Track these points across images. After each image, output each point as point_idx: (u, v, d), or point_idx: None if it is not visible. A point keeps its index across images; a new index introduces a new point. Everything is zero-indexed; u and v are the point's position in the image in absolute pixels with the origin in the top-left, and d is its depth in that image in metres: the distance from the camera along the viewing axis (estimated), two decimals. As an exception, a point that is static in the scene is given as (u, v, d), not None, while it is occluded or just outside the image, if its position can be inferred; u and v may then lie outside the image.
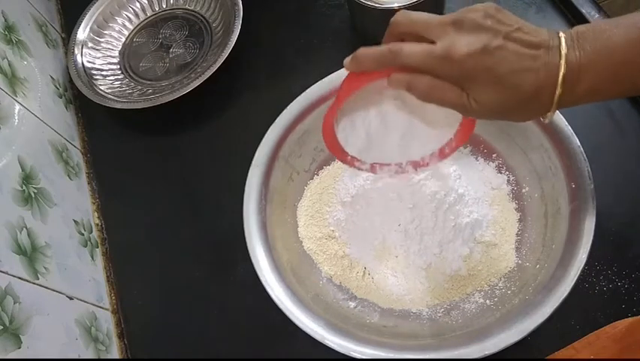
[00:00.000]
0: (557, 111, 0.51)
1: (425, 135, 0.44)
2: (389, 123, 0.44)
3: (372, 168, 0.47)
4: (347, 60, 0.40)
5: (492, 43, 0.35)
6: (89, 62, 0.79)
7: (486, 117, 0.39)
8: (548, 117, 0.39)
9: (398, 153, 0.45)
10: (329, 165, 0.62)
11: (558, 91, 0.36)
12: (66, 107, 0.77)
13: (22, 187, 0.57)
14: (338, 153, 0.46)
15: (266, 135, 0.58)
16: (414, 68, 0.38)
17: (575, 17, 0.68)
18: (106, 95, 0.75)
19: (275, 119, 0.59)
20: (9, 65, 0.65)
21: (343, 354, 0.46)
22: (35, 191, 0.59)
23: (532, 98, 0.37)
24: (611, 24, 0.36)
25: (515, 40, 0.36)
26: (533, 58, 0.36)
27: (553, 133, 0.52)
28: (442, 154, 0.45)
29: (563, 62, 0.36)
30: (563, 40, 0.36)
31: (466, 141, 0.45)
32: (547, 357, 0.50)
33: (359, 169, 0.47)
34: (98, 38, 0.82)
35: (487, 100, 0.37)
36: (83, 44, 0.80)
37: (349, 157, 0.46)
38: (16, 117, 0.62)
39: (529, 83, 0.36)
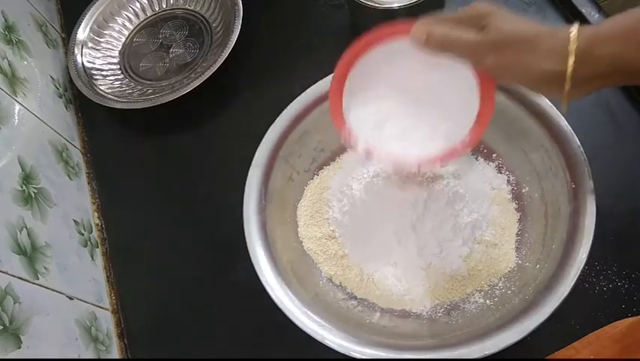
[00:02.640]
0: (558, 111, 0.52)
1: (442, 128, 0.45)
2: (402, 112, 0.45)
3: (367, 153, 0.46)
4: (421, 34, 0.42)
5: None
6: (89, 62, 0.79)
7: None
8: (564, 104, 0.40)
9: (403, 143, 0.45)
10: (329, 165, 0.62)
11: (567, 86, 0.38)
12: (66, 107, 0.77)
13: (22, 187, 0.57)
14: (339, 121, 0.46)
15: (266, 135, 0.58)
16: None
17: (574, 17, 0.67)
18: (106, 95, 0.75)
19: (275, 119, 0.59)
20: (9, 65, 0.65)
21: (343, 354, 0.46)
22: (35, 191, 0.59)
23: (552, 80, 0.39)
24: (609, 22, 0.38)
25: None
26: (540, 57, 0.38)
27: (553, 133, 0.52)
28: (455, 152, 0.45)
29: (571, 56, 0.38)
30: (571, 35, 0.38)
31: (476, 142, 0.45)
32: (547, 357, 0.50)
33: (351, 146, 0.46)
34: (98, 38, 0.82)
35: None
36: (83, 44, 0.80)
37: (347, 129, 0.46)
38: (16, 117, 0.62)
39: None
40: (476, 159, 0.59)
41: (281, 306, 0.48)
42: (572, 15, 0.68)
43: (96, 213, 0.71)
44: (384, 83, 0.46)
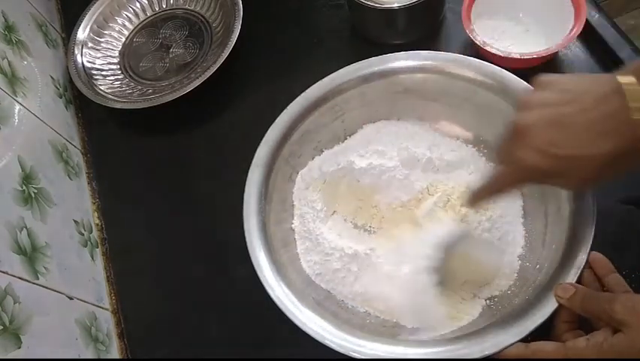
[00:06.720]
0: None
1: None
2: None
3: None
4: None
5: None
6: (89, 62, 0.79)
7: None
8: None
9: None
10: (329, 165, 0.62)
11: None
12: (66, 107, 0.77)
13: (22, 187, 0.57)
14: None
15: (266, 135, 0.58)
16: None
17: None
18: (106, 95, 0.75)
19: (275, 119, 0.58)
20: (9, 65, 0.65)
21: (343, 354, 0.46)
22: (35, 191, 0.59)
23: (623, 152, 0.37)
24: None
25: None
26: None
27: (553, 133, 0.52)
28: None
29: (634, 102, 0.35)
30: (623, 81, 0.36)
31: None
32: None
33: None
34: (98, 38, 0.82)
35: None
36: (83, 44, 0.80)
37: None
38: (16, 117, 0.62)
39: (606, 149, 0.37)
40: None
41: (281, 306, 0.48)
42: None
43: (96, 213, 0.71)
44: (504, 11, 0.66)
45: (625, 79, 0.36)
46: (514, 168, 0.41)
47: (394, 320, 0.52)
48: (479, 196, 0.46)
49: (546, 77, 0.40)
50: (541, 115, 0.38)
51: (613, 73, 0.37)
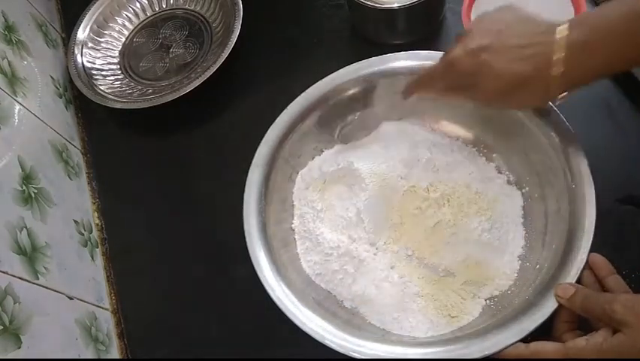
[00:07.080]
0: (558, 111, 0.52)
1: None
2: None
3: None
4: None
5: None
6: (89, 62, 0.79)
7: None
8: (559, 99, 0.45)
9: None
10: (329, 165, 0.62)
11: (557, 70, 0.42)
12: (66, 107, 0.77)
13: (22, 187, 0.57)
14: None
15: (266, 135, 0.58)
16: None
17: (575, 17, 0.68)
18: (106, 95, 0.75)
19: (275, 119, 0.59)
20: (9, 65, 0.65)
21: (343, 354, 0.46)
22: (35, 191, 0.59)
23: (529, 81, 0.44)
24: (611, 5, 0.41)
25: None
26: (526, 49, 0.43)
27: (553, 133, 0.52)
28: None
29: (561, 44, 0.41)
30: (560, 26, 0.42)
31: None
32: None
33: None
34: (98, 38, 0.82)
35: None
36: (83, 44, 0.80)
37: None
38: (16, 117, 0.62)
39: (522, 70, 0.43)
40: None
41: (281, 306, 0.48)
42: (572, 15, 0.68)
43: (96, 213, 0.71)
44: None
45: (562, 27, 0.42)
46: (442, 62, 0.48)
47: (382, 328, 0.52)
48: (411, 88, 0.53)
49: (509, 4, 0.47)
50: (487, 27, 0.45)
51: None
